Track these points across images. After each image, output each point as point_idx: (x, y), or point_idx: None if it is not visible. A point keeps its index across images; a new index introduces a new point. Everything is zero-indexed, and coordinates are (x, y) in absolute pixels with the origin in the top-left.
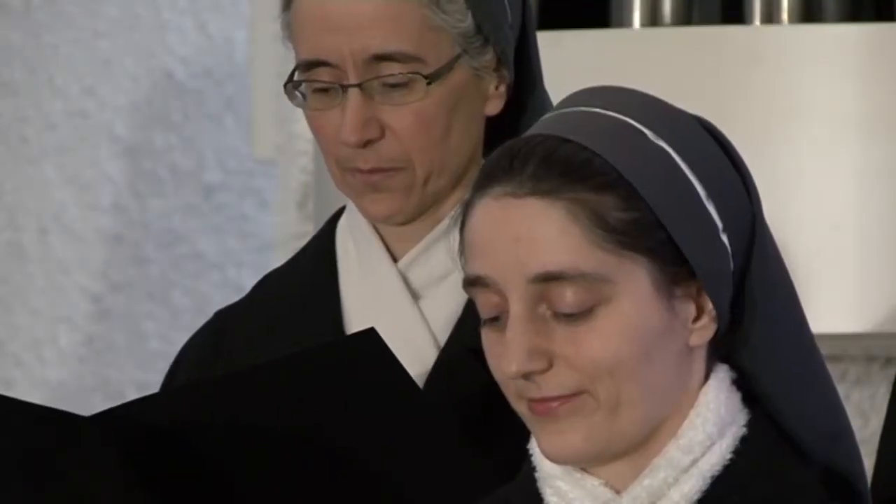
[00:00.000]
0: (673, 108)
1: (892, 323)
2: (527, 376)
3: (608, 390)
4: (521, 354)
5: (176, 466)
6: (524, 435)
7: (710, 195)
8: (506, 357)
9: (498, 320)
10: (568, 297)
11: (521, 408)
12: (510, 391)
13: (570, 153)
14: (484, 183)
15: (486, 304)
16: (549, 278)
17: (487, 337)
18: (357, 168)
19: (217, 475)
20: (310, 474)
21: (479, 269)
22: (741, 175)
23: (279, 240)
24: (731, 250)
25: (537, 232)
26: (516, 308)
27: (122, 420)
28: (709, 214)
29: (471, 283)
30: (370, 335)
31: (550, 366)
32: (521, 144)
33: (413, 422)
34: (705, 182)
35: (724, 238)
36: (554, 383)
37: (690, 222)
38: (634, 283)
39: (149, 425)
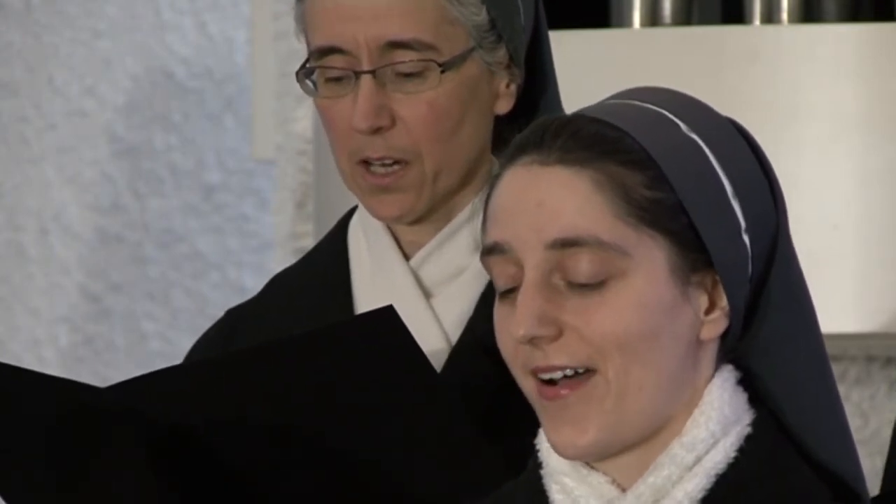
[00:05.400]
0: (709, 109)
1: (892, 323)
2: (534, 343)
3: (617, 369)
4: (531, 318)
5: (186, 443)
6: (532, 433)
7: (737, 194)
8: (514, 321)
9: (512, 292)
10: (583, 265)
11: (528, 386)
12: (517, 365)
13: (601, 131)
14: (513, 154)
15: (501, 275)
16: (566, 244)
17: (500, 310)
18: (367, 158)
19: (228, 452)
20: (321, 453)
21: (498, 234)
22: (770, 182)
23: (279, 240)
24: (752, 253)
25: (561, 198)
26: (531, 275)
27: (136, 395)
28: (733, 211)
29: (488, 250)
30: (388, 312)
31: (560, 335)
32: (553, 120)
33: (426, 402)
34: (733, 180)
35: (746, 239)
36: (562, 352)
37: (714, 214)
38: (651, 261)
39: (160, 402)
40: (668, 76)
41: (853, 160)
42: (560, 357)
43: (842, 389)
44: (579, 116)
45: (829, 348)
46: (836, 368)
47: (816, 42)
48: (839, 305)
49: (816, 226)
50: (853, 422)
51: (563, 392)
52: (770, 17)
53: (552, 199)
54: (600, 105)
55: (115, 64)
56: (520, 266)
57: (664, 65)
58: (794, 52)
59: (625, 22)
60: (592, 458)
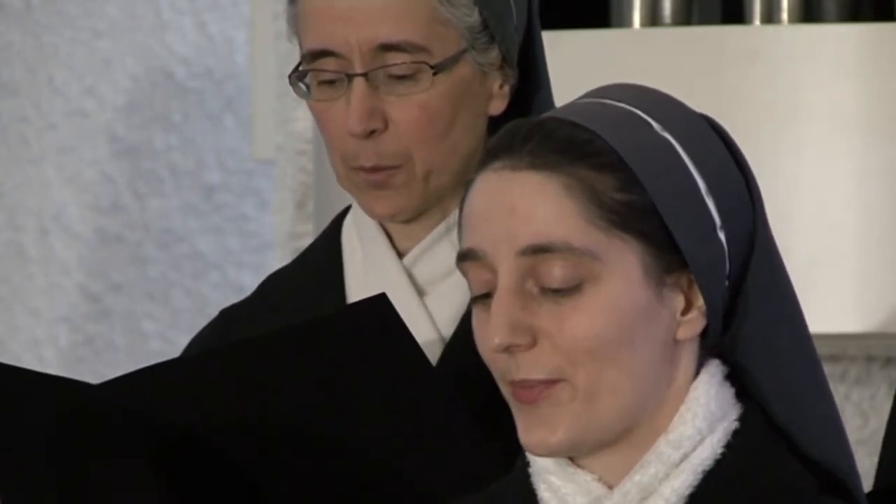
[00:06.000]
0: (682, 106)
1: (892, 323)
2: (510, 352)
3: (587, 376)
4: (505, 328)
5: (184, 440)
6: None
7: (711, 191)
8: (489, 329)
9: (488, 297)
10: (555, 271)
11: (506, 391)
12: (497, 371)
13: (571, 133)
14: (485, 160)
15: (476, 280)
16: (538, 250)
17: (477, 315)
18: (360, 166)
19: (225, 446)
20: (317, 445)
21: (471, 241)
22: (745, 177)
23: (279, 240)
24: (729, 250)
25: (532, 204)
26: (504, 281)
27: (132, 390)
28: (707, 209)
29: (463, 256)
30: (380, 301)
31: (534, 344)
32: (523, 124)
33: (420, 390)
34: (707, 177)
35: (722, 235)
36: (535, 365)
37: (687, 213)
38: (623, 264)
39: (155, 398)
40: (668, 76)
41: (853, 160)
42: (533, 370)
43: (842, 389)
44: (549, 119)
45: (829, 348)
46: (836, 368)
47: (816, 42)
48: (839, 305)
49: (816, 226)
50: (853, 422)
51: (535, 391)
52: (770, 17)
53: (523, 205)
54: (571, 105)
55: (115, 64)
56: (494, 272)
57: (664, 65)
58: (794, 52)
59: (625, 22)
60: (564, 455)
